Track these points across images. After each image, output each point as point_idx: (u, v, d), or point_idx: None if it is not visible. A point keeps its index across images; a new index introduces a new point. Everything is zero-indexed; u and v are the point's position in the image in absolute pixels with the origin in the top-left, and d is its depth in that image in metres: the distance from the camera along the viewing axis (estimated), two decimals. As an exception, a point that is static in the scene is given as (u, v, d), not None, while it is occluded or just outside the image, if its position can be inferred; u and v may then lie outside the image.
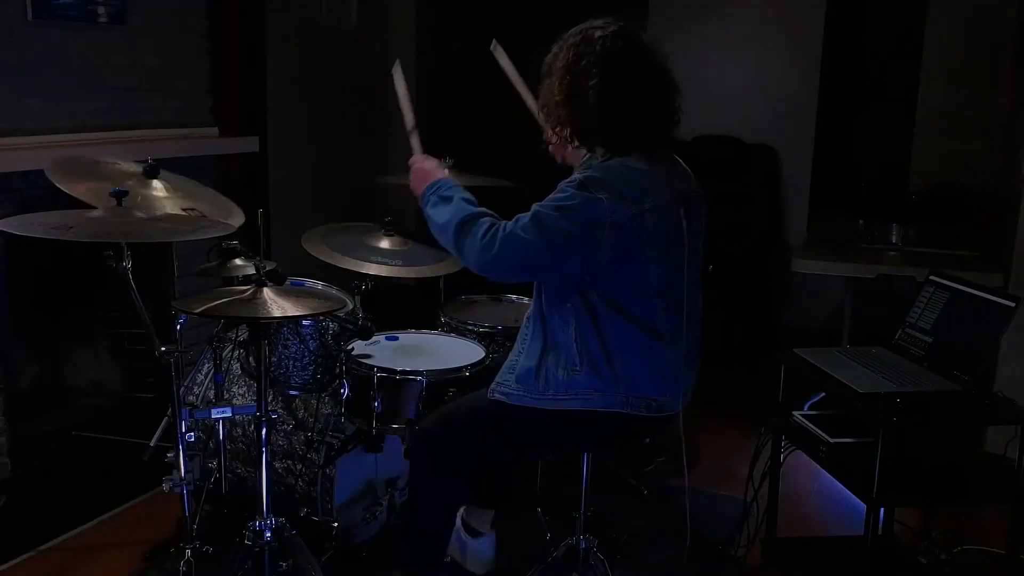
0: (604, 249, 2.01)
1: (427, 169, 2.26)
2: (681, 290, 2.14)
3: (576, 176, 2.06)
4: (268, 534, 2.29)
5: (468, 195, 2.16)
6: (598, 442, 2.35)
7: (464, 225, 2.06)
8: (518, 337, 2.27)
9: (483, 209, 2.11)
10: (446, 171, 2.27)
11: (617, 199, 1.99)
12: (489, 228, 2.04)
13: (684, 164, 2.24)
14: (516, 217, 2.04)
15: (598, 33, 2.09)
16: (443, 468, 2.27)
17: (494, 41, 2.62)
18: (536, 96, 2.28)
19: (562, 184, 2.06)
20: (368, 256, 2.80)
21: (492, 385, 2.22)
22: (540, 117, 2.29)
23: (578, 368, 2.11)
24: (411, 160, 2.34)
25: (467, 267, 2.12)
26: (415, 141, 2.43)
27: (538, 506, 2.91)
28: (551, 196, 2.05)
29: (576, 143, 2.14)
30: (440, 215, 2.13)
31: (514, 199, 2.87)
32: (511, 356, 2.25)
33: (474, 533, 2.67)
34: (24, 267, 3.26)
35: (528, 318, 2.25)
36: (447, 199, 2.14)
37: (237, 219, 2.63)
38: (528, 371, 2.16)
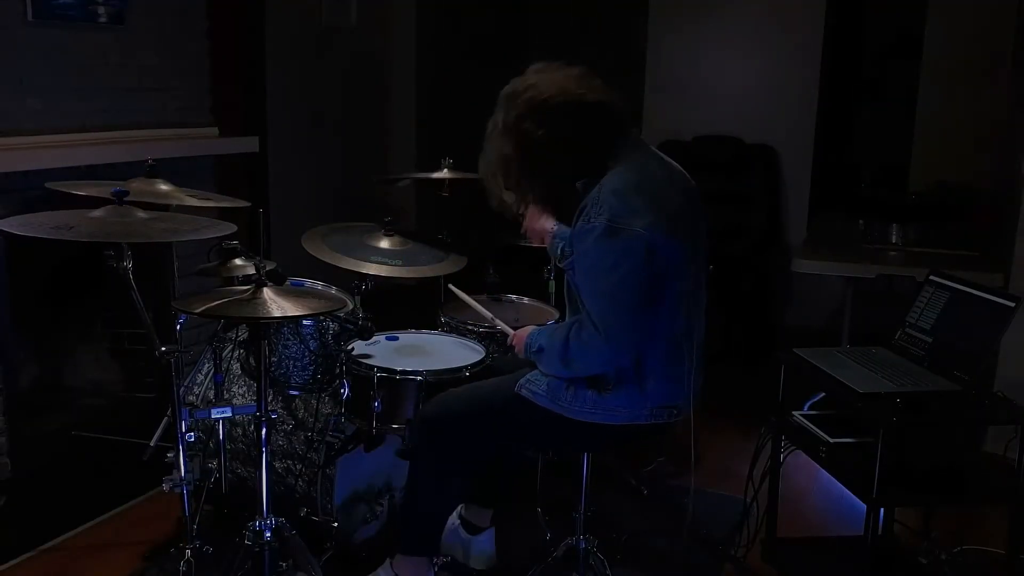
0: (655, 269, 2.04)
1: (521, 337, 2.31)
2: (694, 291, 2.16)
3: (598, 221, 2.03)
4: (268, 534, 2.29)
5: (547, 333, 2.21)
6: (610, 446, 2.37)
7: (564, 357, 2.11)
8: None
9: (555, 335, 2.15)
10: (528, 328, 2.32)
11: (646, 222, 2.00)
12: (576, 334, 2.06)
13: (675, 162, 2.24)
14: (587, 312, 2.06)
15: (510, 108, 2.12)
16: (446, 451, 2.29)
17: (451, 285, 2.77)
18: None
19: (590, 241, 2.04)
20: (368, 256, 2.80)
21: (521, 380, 2.24)
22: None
23: (609, 387, 2.13)
24: (511, 340, 2.39)
25: (599, 371, 2.15)
26: (503, 326, 2.50)
27: (538, 506, 2.91)
28: (592, 261, 2.05)
29: (557, 201, 2.21)
30: (546, 364, 2.20)
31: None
32: None
33: (474, 530, 2.68)
34: (24, 267, 3.26)
35: None
36: (539, 350, 2.20)
37: (241, 202, 2.77)
38: (559, 381, 2.18)
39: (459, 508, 2.70)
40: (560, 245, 2.39)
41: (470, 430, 2.28)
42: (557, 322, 2.39)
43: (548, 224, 2.59)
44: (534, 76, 2.14)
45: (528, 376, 2.25)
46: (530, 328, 2.31)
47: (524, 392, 2.23)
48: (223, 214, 3.23)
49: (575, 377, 2.16)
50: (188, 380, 2.94)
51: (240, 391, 2.86)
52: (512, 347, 2.39)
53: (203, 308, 2.11)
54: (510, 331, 2.42)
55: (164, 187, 2.62)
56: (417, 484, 2.37)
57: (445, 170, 3.19)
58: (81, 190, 2.58)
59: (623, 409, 2.14)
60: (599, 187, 2.08)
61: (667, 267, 2.05)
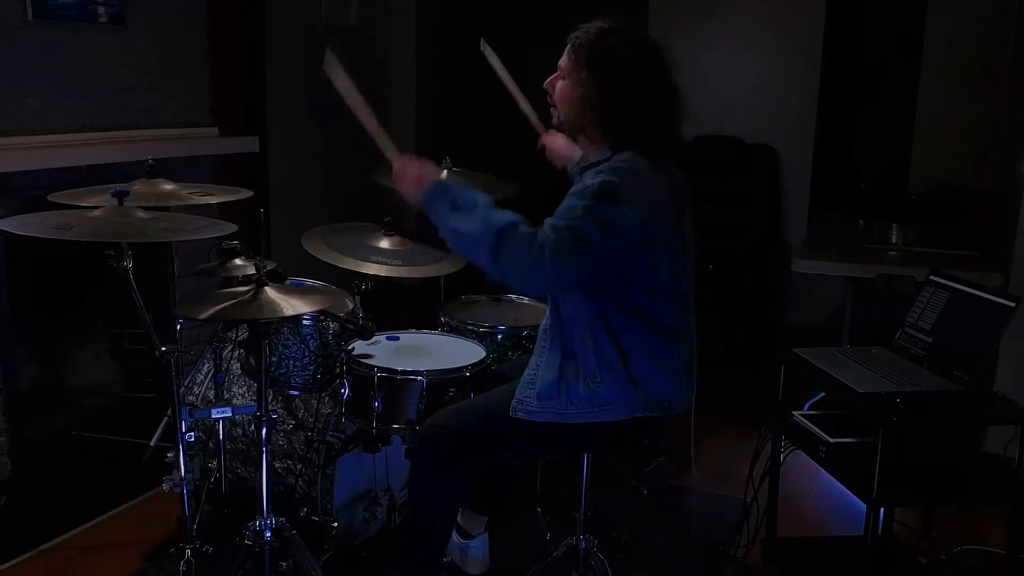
0: (628, 251, 2.01)
1: (422, 174, 2.10)
2: (686, 290, 2.16)
3: (591, 183, 2.01)
4: (268, 534, 2.29)
5: (487, 197, 2.02)
6: (612, 446, 2.36)
7: (501, 239, 1.92)
8: (535, 350, 2.27)
9: (511, 216, 1.96)
10: (441, 171, 2.19)
11: (635, 203, 1.99)
12: (531, 243, 1.91)
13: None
14: (550, 227, 1.94)
15: (638, 34, 2.12)
16: (447, 472, 2.27)
17: (483, 41, 2.56)
18: (526, 97, 2.25)
19: (587, 192, 1.99)
20: (368, 256, 2.80)
21: (512, 402, 2.19)
22: (533, 119, 2.28)
23: (598, 379, 2.12)
24: (395, 165, 2.15)
25: (502, 281, 2.00)
26: (384, 142, 2.21)
27: (538, 506, 2.91)
28: (576, 206, 1.97)
29: (602, 142, 2.13)
30: (463, 224, 1.97)
31: (513, 200, 2.88)
32: (529, 370, 2.23)
33: (466, 536, 2.68)
34: (24, 267, 3.26)
35: (543, 330, 2.25)
36: (468, 207, 1.98)
37: (244, 193, 2.71)
38: (549, 386, 2.15)
39: None
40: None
41: (478, 450, 2.26)
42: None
43: (571, 151, 2.50)
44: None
45: (517, 396, 2.19)
46: (427, 165, 2.12)
47: (520, 415, 2.17)
48: (224, 213, 3.24)
49: (564, 378, 2.13)
50: (188, 380, 2.94)
51: (240, 391, 2.86)
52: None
53: (205, 314, 2.11)
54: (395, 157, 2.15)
55: (167, 186, 2.61)
56: (419, 502, 2.33)
57: (444, 172, 3.18)
58: (83, 200, 2.57)
59: (618, 403, 2.13)
60: (599, 168, 2.07)
61: (647, 252, 2.04)
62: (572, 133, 2.20)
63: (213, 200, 2.69)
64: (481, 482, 2.55)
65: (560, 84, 2.15)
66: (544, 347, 2.21)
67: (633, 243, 2.00)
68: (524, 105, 2.62)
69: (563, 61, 2.15)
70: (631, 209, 1.97)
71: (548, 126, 2.43)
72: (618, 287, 2.08)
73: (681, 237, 2.14)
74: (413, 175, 2.10)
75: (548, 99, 2.20)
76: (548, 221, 1.99)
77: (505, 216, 1.97)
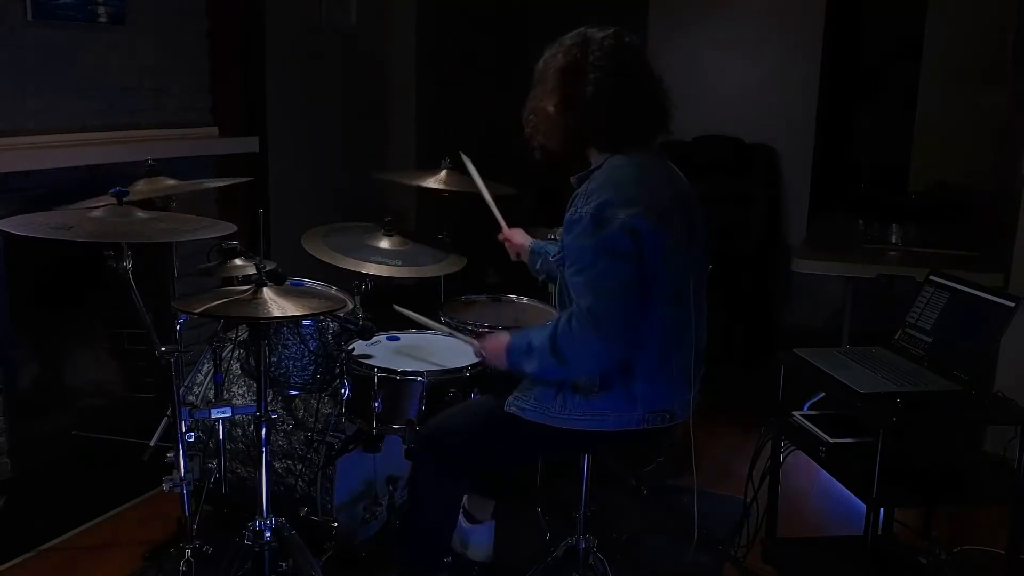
0: (640, 260, 2.01)
1: (498, 344, 2.22)
2: (689, 294, 2.14)
3: (584, 210, 2.02)
4: (268, 534, 2.29)
5: (534, 330, 2.14)
6: (606, 451, 2.36)
7: (555, 349, 2.04)
8: None
9: (543, 329, 2.09)
10: (501, 334, 2.25)
11: (625, 212, 1.99)
12: (566, 325, 2.01)
13: (677, 168, 2.24)
14: (575, 301, 2.03)
15: (598, 35, 2.08)
16: (447, 471, 2.27)
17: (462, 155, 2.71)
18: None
19: (576, 232, 2.02)
20: (368, 256, 2.80)
21: (509, 398, 2.21)
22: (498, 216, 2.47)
23: (596, 388, 2.11)
24: (481, 346, 2.31)
25: (593, 366, 2.10)
26: (465, 338, 2.46)
27: (538, 506, 2.91)
28: (585, 251, 2.01)
29: (572, 147, 2.15)
30: (538, 362, 2.11)
31: (514, 201, 2.88)
32: None
33: (472, 520, 2.68)
34: (24, 267, 3.26)
35: None
36: (529, 349, 2.12)
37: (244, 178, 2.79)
38: (548, 391, 2.15)
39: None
40: (538, 260, 2.46)
41: (470, 452, 2.26)
42: None
43: (525, 240, 2.63)
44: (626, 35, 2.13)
45: (514, 393, 2.21)
46: (502, 334, 2.24)
47: (513, 410, 2.18)
48: (224, 213, 3.24)
49: (564, 380, 2.12)
50: (188, 380, 2.94)
51: (240, 391, 2.86)
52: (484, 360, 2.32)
53: (203, 308, 2.11)
54: (475, 343, 2.35)
55: (170, 181, 2.62)
56: (419, 501, 2.34)
57: (444, 172, 3.19)
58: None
59: (612, 413, 2.12)
60: (591, 179, 2.08)
61: (654, 262, 2.03)
62: (564, 158, 2.20)
63: (214, 184, 2.69)
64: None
65: (533, 118, 2.17)
66: None
67: (640, 251, 2.00)
68: (492, 204, 2.69)
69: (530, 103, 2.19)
70: (626, 218, 1.98)
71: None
72: None
73: (685, 242, 2.12)
74: (493, 351, 2.24)
75: (531, 142, 2.21)
76: (570, 280, 2.05)
77: (545, 333, 2.07)
